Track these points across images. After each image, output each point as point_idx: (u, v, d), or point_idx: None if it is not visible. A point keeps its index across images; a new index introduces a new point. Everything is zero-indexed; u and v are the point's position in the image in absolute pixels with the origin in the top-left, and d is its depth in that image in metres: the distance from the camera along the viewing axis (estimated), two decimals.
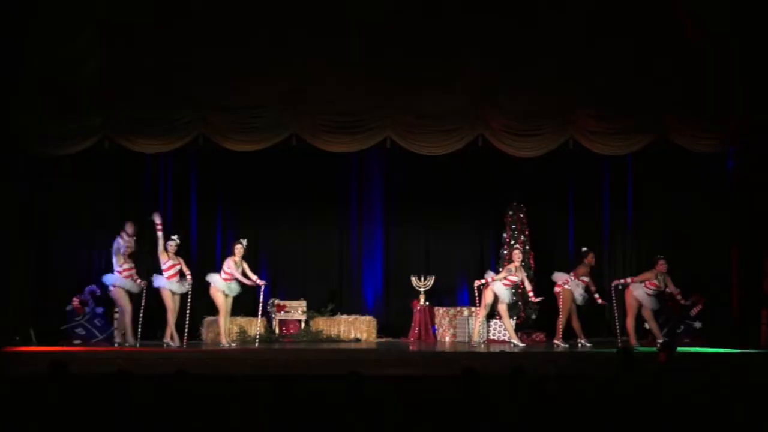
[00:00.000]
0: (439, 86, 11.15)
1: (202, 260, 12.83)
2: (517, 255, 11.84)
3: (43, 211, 12.61)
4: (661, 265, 11.58)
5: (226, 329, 11.60)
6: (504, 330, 12.25)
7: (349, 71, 11.00)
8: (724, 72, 10.89)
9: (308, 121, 11.35)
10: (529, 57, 11.07)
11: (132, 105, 11.11)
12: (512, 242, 12.90)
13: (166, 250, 11.47)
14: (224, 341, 11.51)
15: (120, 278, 11.48)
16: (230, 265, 11.38)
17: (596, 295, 11.81)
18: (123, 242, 11.56)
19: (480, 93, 11.24)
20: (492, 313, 12.22)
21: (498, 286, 11.62)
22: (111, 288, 11.55)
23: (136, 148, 11.50)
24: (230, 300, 11.58)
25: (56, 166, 12.20)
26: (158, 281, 11.45)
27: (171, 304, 11.42)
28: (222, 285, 11.44)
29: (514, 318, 12.41)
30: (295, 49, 10.90)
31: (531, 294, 11.84)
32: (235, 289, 11.53)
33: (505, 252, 12.95)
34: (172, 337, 11.47)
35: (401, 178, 13.80)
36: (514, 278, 11.69)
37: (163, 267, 11.45)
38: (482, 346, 11.76)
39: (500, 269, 12.58)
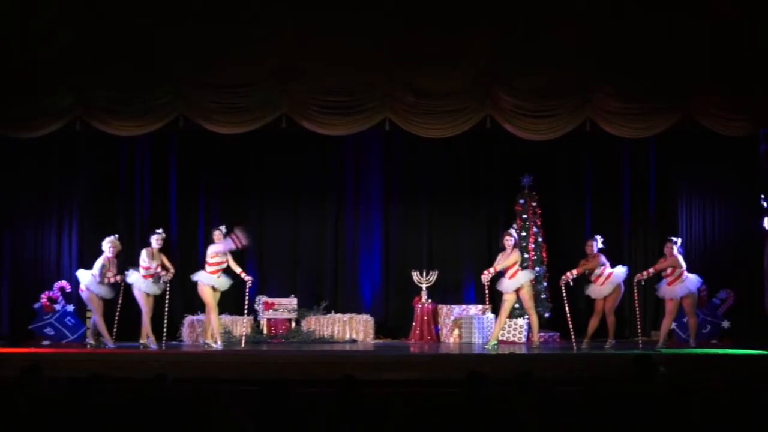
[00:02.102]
0: (443, 63, 11.14)
1: (182, 253, 12.93)
2: (508, 240, 11.64)
3: (5, 198, 12.68)
4: (668, 248, 11.57)
5: (216, 327, 11.66)
6: (514, 330, 12.41)
7: (344, 46, 11.00)
8: (754, 48, 10.90)
9: (299, 100, 11.36)
10: (542, 31, 11.05)
11: (106, 83, 11.12)
12: (523, 233, 12.94)
13: (150, 245, 11.57)
14: (210, 339, 11.56)
15: (94, 283, 11.46)
16: (218, 249, 11.53)
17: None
18: (108, 259, 11.58)
19: (488, 70, 11.23)
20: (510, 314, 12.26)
21: (509, 282, 11.67)
22: (83, 289, 11.53)
23: (111, 130, 11.51)
24: (218, 296, 11.64)
25: (21, 149, 12.27)
26: (132, 277, 11.49)
27: (145, 303, 11.49)
28: (209, 279, 11.51)
29: (526, 317, 12.48)
30: (286, 22, 10.89)
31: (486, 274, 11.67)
32: (224, 283, 11.60)
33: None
34: (148, 338, 11.55)
35: (401, 163, 13.85)
36: (510, 261, 11.62)
37: (143, 265, 11.49)
38: (491, 349, 11.81)
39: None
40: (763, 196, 12.10)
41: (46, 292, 12.45)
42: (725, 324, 12.43)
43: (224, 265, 11.59)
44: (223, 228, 11.71)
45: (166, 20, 10.86)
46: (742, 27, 10.81)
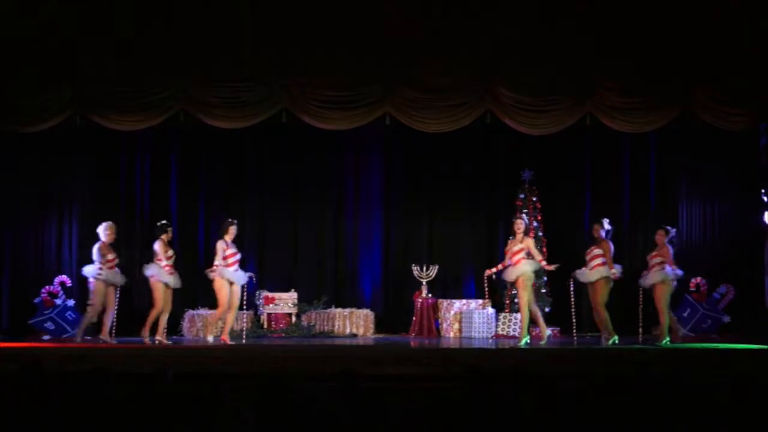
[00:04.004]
0: (443, 57, 11.17)
1: (182, 249, 12.90)
2: (518, 224, 11.49)
3: (6, 194, 12.71)
4: (659, 237, 11.43)
5: (214, 322, 11.62)
6: (514, 324, 12.41)
7: (345, 41, 11.02)
8: (754, 43, 10.91)
9: (300, 94, 11.38)
10: (543, 24, 11.06)
11: (105, 77, 11.14)
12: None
13: (166, 240, 11.50)
14: (210, 335, 11.56)
15: (97, 270, 11.32)
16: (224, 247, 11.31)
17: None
18: (104, 244, 11.45)
19: (488, 64, 11.24)
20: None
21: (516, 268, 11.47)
22: (91, 280, 11.38)
23: (111, 125, 11.53)
24: (236, 290, 11.43)
25: (21, 145, 12.30)
26: (152, 270, 11.31)
27: (161, 298, 11.30)
28: (228, 274, 11.32)
29: None
30: (286, 16, 10.91)
31: (544, 263, 11.47)
32: (242, 277, 11.48)
33: None
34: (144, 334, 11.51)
35: (401, 158, 13.87)
36: (515, 248, 11.43)
37: (161, 256, 11.39)
38: (490, 342, 11.80)
39: None
40: (763, 191, 12.12)
41: (47, 287, 12.47)
42: (726, 318, 12.45)
43: (239, 258, 11.44)
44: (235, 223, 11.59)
45: (166, 14, 10.88)
46: (742, 21, 10.81)
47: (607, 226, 11.51)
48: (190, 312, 12.70)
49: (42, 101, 11.22)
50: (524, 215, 11.87)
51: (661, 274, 11.18)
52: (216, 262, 11.27)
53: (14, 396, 5.55)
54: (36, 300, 12.43)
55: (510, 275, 11.43)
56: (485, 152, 13.68)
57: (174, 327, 12.40)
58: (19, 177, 12.84)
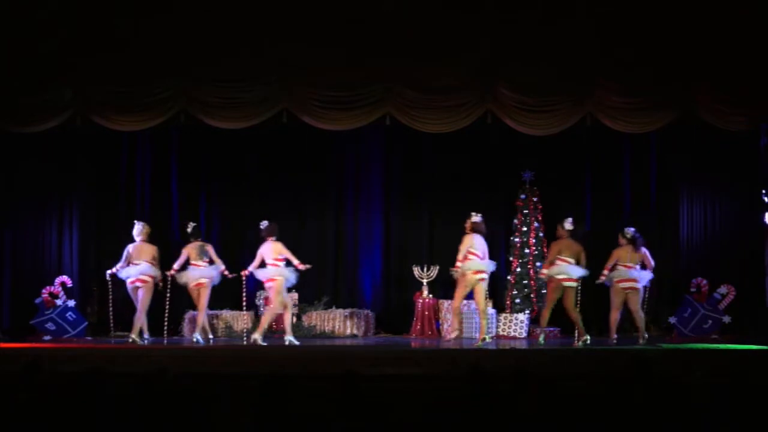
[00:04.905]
0: (443, 57, 11.18)
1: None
2: (467, 221, 11.43)
3: (6, 193, 12.72)
4: (619, 240, 11.50)
5: (266, 323, 11.49)
6: (514, 324, 12.41)
7: (345, 41, 11.03)
8: (755, 43, 10.91)
9: (301, 94, 11.41)
10: (543, 24, 11.07)
11: (106, 77, 11.15)
12: (524, 228, 12.96)
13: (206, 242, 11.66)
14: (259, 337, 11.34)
15: (151, 267, 11.39)
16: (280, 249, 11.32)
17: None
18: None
19: (488, 64, 11.25)
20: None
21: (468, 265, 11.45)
22: (144, 278, 11.37)
23: (111, 125, 11.55)
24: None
25: (22, 144, 12.31)
26: (213, 271, 11.43)
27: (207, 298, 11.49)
28: (285, 273, 11.32)
29: (527, 312, 12.53)
30: (286, 16, 10.93)
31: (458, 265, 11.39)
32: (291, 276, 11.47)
33: (517, 240, 13.02)
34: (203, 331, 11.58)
35: (402, 158, 13.87)
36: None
37: (214, 257, 11.49)
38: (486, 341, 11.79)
39: (511, 258, 12.69)
40: (764, 191, 12.11)
41: (47, 287, 12.48)
42: (726, 319, 12.43)
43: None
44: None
45: (166, 14, 10.90)
46: (742, 21, 10.82)
47: (568, 226, 11.47)
48: (191, 313, 12.68)
49: (42, 101, 11.24)
50: (473, 214, 11.63)
51: (608, 276, 11.37)
52: (293, 258, 11.27)
53: (14, 396, 5.56)
54: (37, 300, 12.43)
55: (456, 272, 11.41)
56: (485, 152, 13.67)
57: (175, 327, 12.41)
58: (19, 177, 12.86)
